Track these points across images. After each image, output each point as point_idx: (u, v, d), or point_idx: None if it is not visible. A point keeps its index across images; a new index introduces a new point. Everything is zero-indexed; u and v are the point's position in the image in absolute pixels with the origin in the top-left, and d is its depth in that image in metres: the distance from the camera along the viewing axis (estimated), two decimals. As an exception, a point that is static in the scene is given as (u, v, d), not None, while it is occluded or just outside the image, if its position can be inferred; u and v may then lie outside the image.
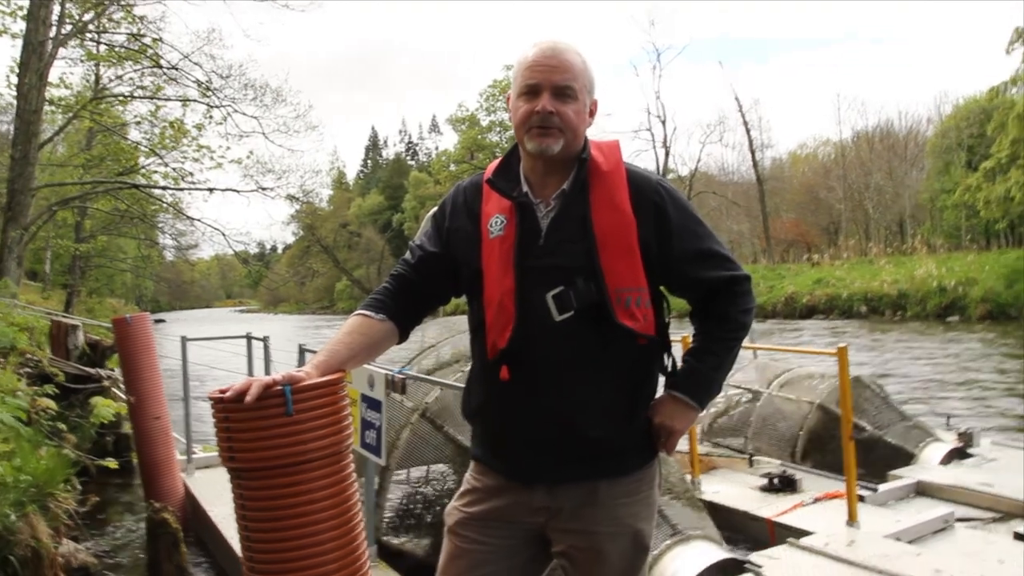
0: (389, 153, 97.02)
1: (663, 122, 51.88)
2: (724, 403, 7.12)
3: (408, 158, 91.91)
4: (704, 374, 1.89)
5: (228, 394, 1.55)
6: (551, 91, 1.77)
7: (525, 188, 1.85)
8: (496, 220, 1.83)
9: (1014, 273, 27.94)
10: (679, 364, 1.93)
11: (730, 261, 1.87)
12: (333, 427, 1.61)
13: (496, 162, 1.94)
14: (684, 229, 1.83)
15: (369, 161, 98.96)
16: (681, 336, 4.35)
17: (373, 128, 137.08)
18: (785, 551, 4.05)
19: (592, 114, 1.88)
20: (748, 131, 50.88)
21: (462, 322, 5.26)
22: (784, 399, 6.54)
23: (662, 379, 1.94)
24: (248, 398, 1.52)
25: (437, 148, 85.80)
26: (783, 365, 7.09)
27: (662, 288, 1.89)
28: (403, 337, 1.94)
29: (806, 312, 33.49)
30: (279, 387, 1.55)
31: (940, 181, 41.40)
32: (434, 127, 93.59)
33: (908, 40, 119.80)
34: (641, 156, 50.99)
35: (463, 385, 2.04)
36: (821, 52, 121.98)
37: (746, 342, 6.96)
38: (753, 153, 51.12)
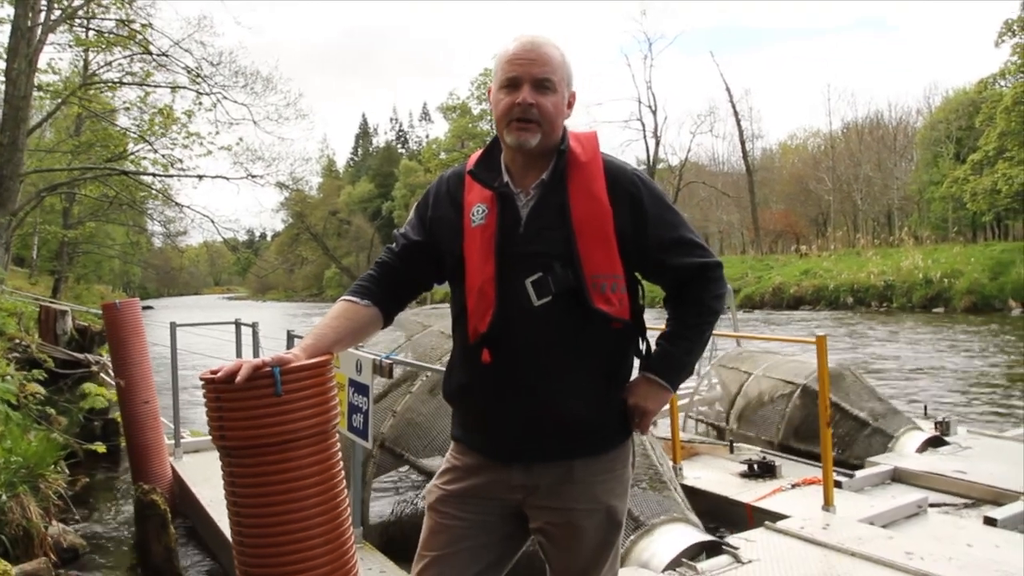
0: (380, 141, 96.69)
1: (654, 112, 52.02)
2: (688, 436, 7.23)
3: (399, 146, 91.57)
4: (677, 357, 1.96)
5: (219, 375, 1.62)
6: (531, 83, 1.84)
7: (506, 178, 1.92)
8: (478, 209, 1.90)
9: (999, 265, 28.22)
10: (653, 348, 2.01)
11: (702, 248, 1.95)
12: (320, 407, 1.69)
13: (478, 153, 2.01)
14: (659, 218, 1.91)
15: (359, 149, 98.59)
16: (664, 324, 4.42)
17: (364, 116, 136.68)
18: (761, 534, 4.15)
19: (570, 106, 1.95)
20: (739, 121, 51.06)
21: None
22: (744, 435, 6.66)
23: (637, 362, 2.02)
24: (238, 379, 1.60)
25: (428, 136, 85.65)
26: (739, 376, 7.11)
27: (637, 275, 1.97)
28: (387, 322, 2.02)
29: (793, 303, 33.74)
30: (268, 368, 1.62)
31: (928, 173, 41.65)
32: (425, 115, 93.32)
33: (899, 31, 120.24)
34: (631, 146, 51.30)
35: (443, 368, 2.11)
36: (812, 43, 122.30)
37: (729, 331, 7.06)
38: (743, 143, 51.30)
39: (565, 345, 1.84)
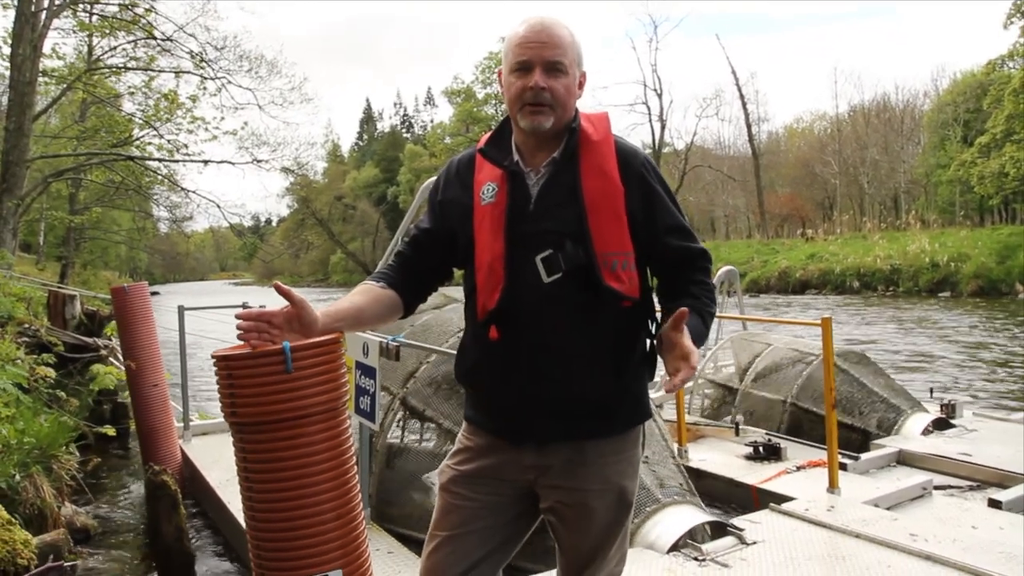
0: (384, 126, 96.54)
1: (659, 95, 51.72)
2: (700, 400, 7.28)
3: (403, 131, 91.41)
4: (695, 326, 1.85)
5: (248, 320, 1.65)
6: (542, 67, 1.83)
7: (516, 157, 1.92)
8: (488, 188, 1.91)
9: (1006, 249, 28.12)
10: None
11: (697, 239, 1.99)
12: (330, 384, 1.71)
13: (489, 133, 2.02)
14: (665, 203, 1.93)
15: (364, 134, 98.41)
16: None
17: (368, 100, 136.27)
18: (766, 515, 4.17)
19: (581, 86, 1.94)
20: (744, 105, 50.85)
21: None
22: (759, 396, 6.69)
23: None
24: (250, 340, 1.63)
25: (432, 121, 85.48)
26: (756, 347, 7.16)
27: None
28: (408, 311, 2.03)
29: (799, 287, 33.67)
30: (279, 345, 1.64)
31: (935, 156, 41.41)
32: (429, 100, 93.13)
33: (906, 13, 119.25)
34: (637, 129, 50.98)
35: (453, 351, 2.12)
36: (819, 26, 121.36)
37: (736, 312, 7.07)
38: (749, 127, 51.09)
39: (575, 322, 1.84)
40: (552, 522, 1.99)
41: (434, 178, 2.14)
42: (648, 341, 1.98)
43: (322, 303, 2.05)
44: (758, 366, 6.87)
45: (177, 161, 20.69)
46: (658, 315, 1.99)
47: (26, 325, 7.96)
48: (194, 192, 22.78)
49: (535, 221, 1.85)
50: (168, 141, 20.11)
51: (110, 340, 8.51)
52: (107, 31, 18.93)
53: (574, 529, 1.96)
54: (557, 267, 1.82)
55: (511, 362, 1.87)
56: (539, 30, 1.85)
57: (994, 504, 4.35)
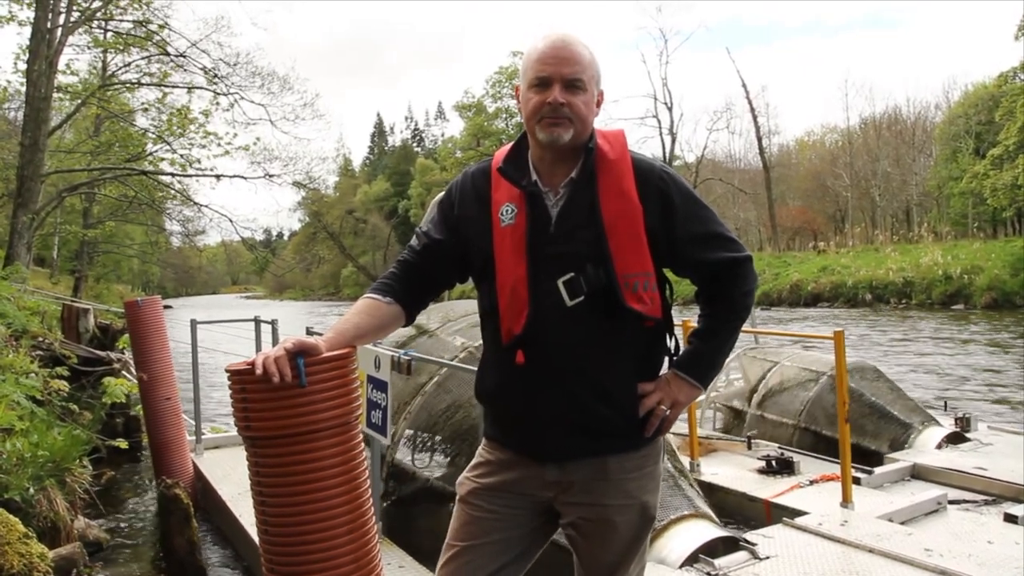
0: (395, 140, 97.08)
1: (670, 109, 51.80)
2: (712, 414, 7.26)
3: (414, 145, 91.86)
4: (707, 355, 1.98)
5: (258, 372, 1.63)
6: (561, 83, 1.83)
7: (534, 177, 1.92)
8: (507, 208, 1.90)
9: (1020, 262, 27.91)
10: (682, 345, 2.02)
11: (733, 242, 1.94)
12: (343, 399, 1.71)
13: (505, 149, 2.00)
14: (688, 213, 1.91)
15: (375, 148, 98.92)
16: (682, 320, 4.44)
17: (379, 115, 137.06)
18: (779, 530, 4.14)
19: (599, 104, 1.94)
20: (755, 118, 50.74)
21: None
22: (769, 419, 6.67)
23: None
24: (275, 380, 1.62)
25: (443, 135, 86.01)
26: (764, 364, 7.12)
27: (666, 271, 1.97)
28: (409, 320, 2.03)
29: (811, 300, 33.50)
30: (293, 357, 1.65)
31: (947, 168, 41.22)
32: (440, 114, 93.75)
33: (917, 25, 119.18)
34: (647, 143, 50.96)
35: (468, 367, 2.12)
36: (829, 38, 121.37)
37: (748, 327, 7.05)
38: (760, 140, 50.95)
39: (598, 344, 1.85)
40: (573, 537, 1.99)
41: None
42: (667, 358, 2.00)
43: (333, 317, 2.05)
44: (767, 384, 6.83)
45: (190, 176, 20.85)
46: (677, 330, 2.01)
47: (40, 338, 8.01)
48: (206, 206, 22.88)
49: (556, 244, 1.85)
50: (181, 156, 20.26)
51: (123, 353, 8.56)
52: (121, 47, 19.16)
53: (596, 544, 1.96)
54: (579, 290, 1.83)
55: (536, 384, 1.87)
56: (560, 47, 1.85)
57: (1010, 519, 4.31)
